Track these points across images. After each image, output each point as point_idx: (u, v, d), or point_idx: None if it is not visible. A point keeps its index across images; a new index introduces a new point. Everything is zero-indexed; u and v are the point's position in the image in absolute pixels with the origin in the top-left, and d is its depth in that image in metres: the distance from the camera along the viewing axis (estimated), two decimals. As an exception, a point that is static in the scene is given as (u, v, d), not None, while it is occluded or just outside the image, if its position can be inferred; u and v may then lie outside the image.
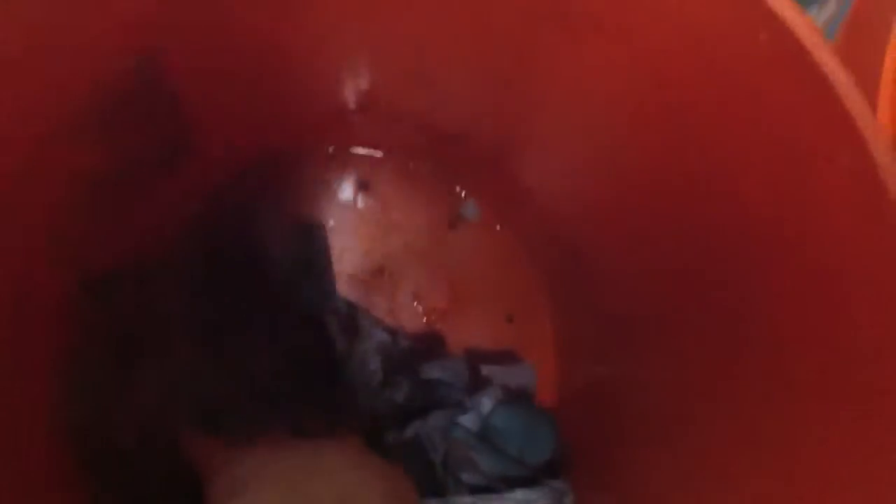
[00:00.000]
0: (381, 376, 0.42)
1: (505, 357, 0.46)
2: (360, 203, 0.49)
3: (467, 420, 0.42)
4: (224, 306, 0.43)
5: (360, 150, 0.49)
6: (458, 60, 0.38)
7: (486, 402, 0.42)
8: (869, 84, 0.31)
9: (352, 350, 0.43)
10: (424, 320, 0.47)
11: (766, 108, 0.26)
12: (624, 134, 0.34)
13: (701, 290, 0.34)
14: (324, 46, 0.39)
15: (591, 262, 0.43)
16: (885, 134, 0.30)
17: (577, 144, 0.39)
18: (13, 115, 0.28)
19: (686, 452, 0.36)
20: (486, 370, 0.44)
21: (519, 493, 0.39)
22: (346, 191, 0.49)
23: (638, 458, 0.39)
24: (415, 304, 0.48)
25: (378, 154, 0.49)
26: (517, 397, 0.44)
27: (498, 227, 0.49)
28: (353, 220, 0.48)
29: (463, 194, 0.49)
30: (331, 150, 0.49)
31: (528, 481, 0.41)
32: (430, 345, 0.46)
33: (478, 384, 0.44)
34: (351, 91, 0.44)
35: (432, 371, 0.43)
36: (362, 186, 0.49)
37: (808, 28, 0.23)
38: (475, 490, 0.40)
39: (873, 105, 0.30)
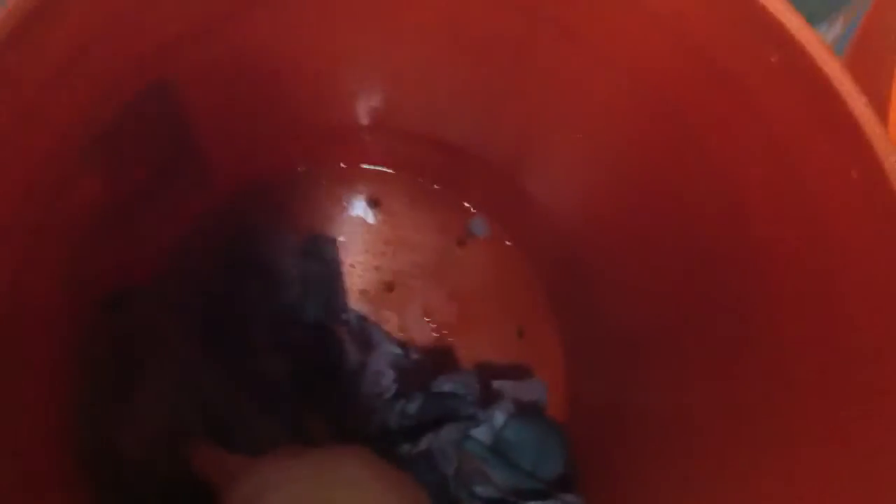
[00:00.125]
0: (395, 389, 0.43)
1: (516, 371, 0.47)
2: (371, 219, 0.49)
3: (480, 433, 0.42)
4: (234, 320, 0.44)
5: (371, 167, 0.50)
6: (464, 78, 0.39)
7: (499, 416, 0.42)
8: (875, 102, 0.31)
9: (365, 363, 0.43)
10: (435, 335, 0.48)
11: (774, 123, 0.26)
12: (628, 149, 0.35)
13: (704, 298, 0.34)
14: (336, 68, 0.40)
15: (596, 273, 0.43)
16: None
17: (582, 157, 0.39)
18: (39, 148, 0.28)
19: (693, 461, 0.36)
20: (497, 384, 0.44)
21: (532, 506, 0.39)
22: (357, 207, 0.49)
23: (646, 470, 0.40)
24: (425, 319, 0.48)
25: (389, 171, 0.49)
26: (529, 411, 0.44)
27: (507, 243, 0.50)
28: (363, 236, 0.49)
29: (472, 210, 0.50)
30: (342, 166, 0.49)
31: (541, 494, 0.41)
32: (440, 359, 0.47)
33: (489, 398, 0.44)
34: (362, 110, 0.44)
35: (444, 384, 0.43)
36: (373, 203, 0.49)
37: (818, 44, 0.23)
38: (488, 503, 0.40)
39: (883, 121, 0.30)
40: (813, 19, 0.38)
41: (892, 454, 0.24)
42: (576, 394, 0.47)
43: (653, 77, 0.30)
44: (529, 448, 0.42)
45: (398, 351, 0.44)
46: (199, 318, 0.42)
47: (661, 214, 0.35)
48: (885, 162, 0.22)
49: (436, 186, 0.49)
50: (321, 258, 0.46)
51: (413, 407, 0.42)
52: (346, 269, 0.48)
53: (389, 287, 0.48)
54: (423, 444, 0.41)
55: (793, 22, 0.24)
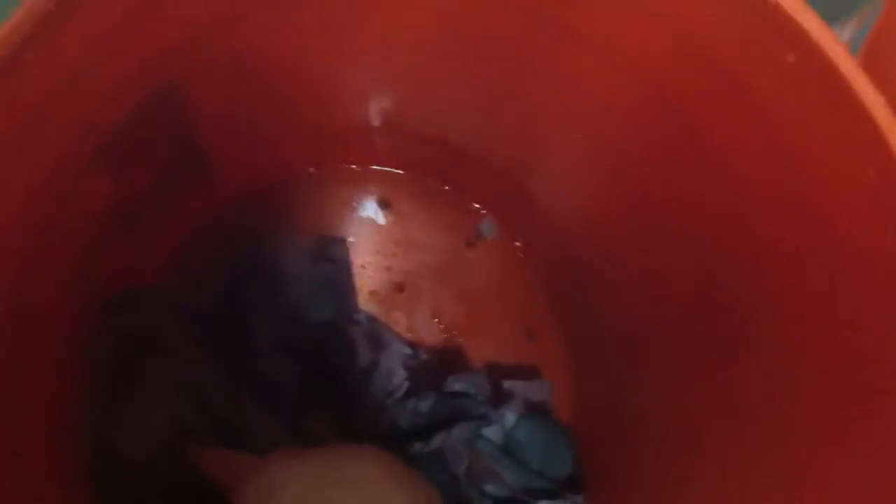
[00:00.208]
0: (406, 388, 0.43)
1: (523, 371, 0.47)
2: (381, 220, 0.49)
3: (491, 432, 0.42)
4: (240, 321, 0.44)
5: (381, 168, 0.50)
6: (467, 78, 0.39)
7: (510, 416, 0.42)
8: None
9: (377, 362, 0.43)
10: (444, 336, 0.48)
11: (782, 122, 0.26)
12: (630, 149, 0.35)
13: (705, 298, 0.34)
14: (341, 70, 0.40)
15: (598, 273, 0.44)
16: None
17: (584, 157, 0.40)
18: (48, 151, 0.28)
19: (694, 461, 0.36)
20: (507, 384, 0.44)
21: (542, 504, 0.39)
22: (367, 208, 0.49)
23: (648, 470, 0.40)
24: (434, 319, 0.48)
25: (399, 172, 0.50)
26: (538, 412, 0.44)
27: (516, 244, 0.50)
28: (373, 237, 0.49)
29: (481, 212, 0.50)
30: (352, 167, 0.49)
31: (551, 494, 0.41)
32: (449, 359, 0.47)
33: (499, 398, 0.44)
34: (370, 111, 0.44)
35: (455, 384, 0.44)
36: (383, 204, 0.49)
37: (836, 45, 0.23)
38: (499, 502, 0.40)
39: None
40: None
41: (892, 454, 0.24)
42: (580, 394, 0.47)
43: (655, 77, 0.30)
44: (539, 448, 0.42)
45: (408, 351, 0.44)
46: (203, 319, 0.42)
47: (662, 215, 0.35)
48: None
49: (446, 188, 0.50)
50: (331, 259, 0.46)
51: (425, 406, 0.43)
52: (356, 269, 0.48)
53: (399, 288, 0.48)
54: (435, 442, 0.41)
55: (810, 22, 0.24)
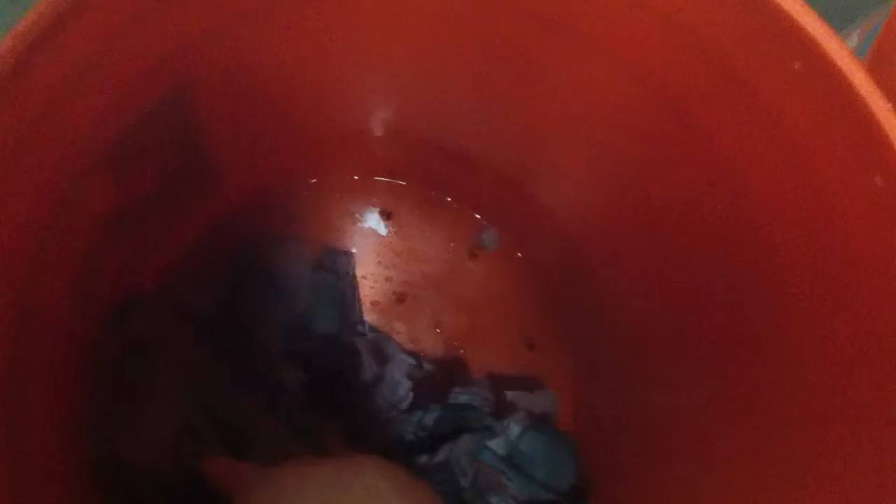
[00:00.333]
0: (411, 399, 0.42)
1: (526, 382, 0.47)
2: (383, 231, 0.49)
3: (496, 444, 0.42)
4: (244, 329, 0.43)
5: (383, 179, 0.50)
6: (469, 85, 0.39)
7: (514, 427, 0.42)
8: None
9: (381, 374, 0.43)
10: (445, 346, 0.48)
11: (789, 128, 0.26)
12: (635, 156, 0.35)
13: (713, 308, 0.34)
14: (344, 78, 0.40)
15: (603, 281, 0.44)
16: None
17: (588, 163, 0.40)
18: (53, 153, 0.28)
19: (702, 471, 0.36)
20: (510, 396, 0.44)
21: (548, 516, 0.39)
22: (370, 219, 0.49)
23: (654, 481, 0.40)
24: (436, 330, 0.48)
25: (401, 183, 0.50)
26: (541, 422, 0.44)
27: (518, 255, 0.50)
28: (375, 248, 0.49)
29: (483, 223, 0.50)
30: (355, 178, 0.49)
31: (555, 505, 0.41)
32: (452, 370, 0.47)
33: (503, 409, 0.44)
34: (372, 121, 0.44)
35: (460, 396, 0.43)
36: (385, 215, 0.49)
37: (844, 53, 0.23)
38: (505, 513, 0.40)
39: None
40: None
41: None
42: (582, 403, 0.47)
43: (657, 78, 0.30)
44: (543, 459, 0.42)
45: (412, 361, 0.44)
46: (206, 324, 0.42)
47: (665, 217, 0.35)
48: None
49: (448, 199, 0.50)
50: (335, 270, 0.46)
51: (430, 418, 0.42)
52: (358, 280, 0.48)
53: (401, 298, 0.48)
54: (441, 455, 0.41)
55: (817, 30, 0.24)
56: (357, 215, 0.49)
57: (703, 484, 0.35)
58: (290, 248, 0.46)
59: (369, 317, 0.47)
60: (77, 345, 0.35)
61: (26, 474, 0.30)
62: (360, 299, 0.47)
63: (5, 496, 0.28)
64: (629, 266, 0.41)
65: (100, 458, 0.36)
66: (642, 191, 0.36)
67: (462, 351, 0.48)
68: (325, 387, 0.43)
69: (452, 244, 0.50)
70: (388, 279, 0.48)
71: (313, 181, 0.49)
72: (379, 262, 0.49)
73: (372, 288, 0.48)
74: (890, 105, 0.23)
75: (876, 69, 0.35)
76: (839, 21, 0.39)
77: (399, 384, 0.43)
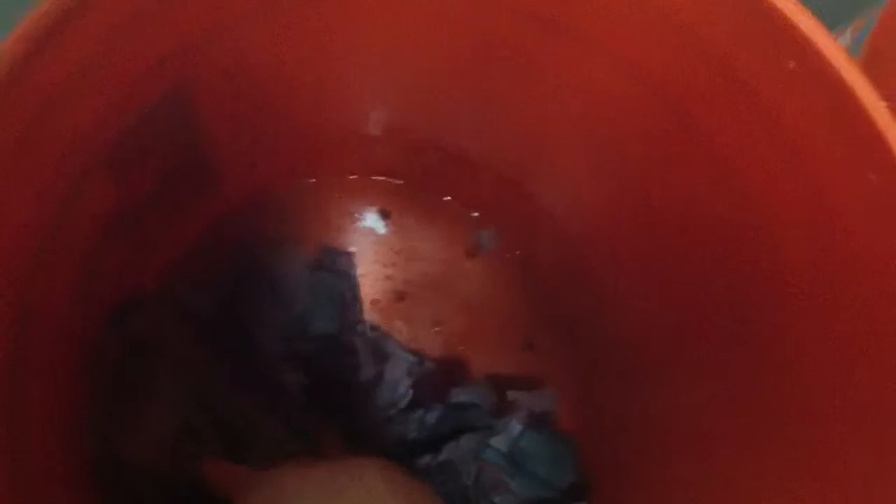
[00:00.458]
0: (410, 398, 0.43)
1: (526, 381, 0.47)
2: (382, 230, 0.49)
3: (497, 442, 0.42)
4: (244, 330, 0.44)
5: (382, 179, 0.50)
6: (468, 84, 0.39)
7: (515, 426, 0.42)
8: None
9: (381, 373, 0.43)
10: (445, 345, 0.48)
11: (787, 126, 0.27)
12: (634, 156, 0.35)
13: (714, 309, 0.34)
14: (343, 78, 0.40)
15: (603, 281, 0.44)
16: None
17: (587, 163, 0.40)
18: (54, 153, 0.28)
19: (703, 471, 0.36)
20: (511, 395, 0.44)
21: (550, 514, 0.39)
22: (368, 218, 0.49)
23: (654, 480, 0.40)
24: (435, 328, 0.48)
25: (399, 182, 0.50)
26: (541, 421, 0.44)
27: (517, 253, 0.50)
28: (374, 247, 0.49)
29: (482, 222, 0.50)
30: (354, 178, 0.49)
31: (556, 502, 0.41)
32: (451, 368, 0.47)
33: (503, 408, 0.44)
34: (371, 120, 0.45)
35: (461, 395, 0.44)
36: (384, 214, 0.49)
37: (837, 50, 0.24)
38: (506, 511, 0.41)
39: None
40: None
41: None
42: (582, 402, 0.47)
43: (656, 78, 0.31)
44: (544, 457, 0.42)
45: (413, 358, 0.44)
46: (208, 326, 0.42)
47: (665, 217, 0.36)
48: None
49: (446, 198, 0.50)
50: (335, 270, 0.46)
51: (432, 418, 0.43)
52: (357, 279, 0.48)
53: (400, 297, 0.48)
54: (443, 455, 0.41)
55: (810, 28, 0.24)
56: (356, 214, 0.50)
57: (703, 484, 0.35)
58: (289, 249, 0.46)
59: (369, 315, 0.47)
60: (77, 345, 0.35)
61: (26, 474, 0.30)
62: (360, 299, 0.47)
63: (5, 496, 0.28)
64: (629, 266, 0.41)
65: (100, 458, 0.36)
66: (642, 191, 0.36)
67: (461, 349, 0.48)
68: (325, 387, 0.43)
69: (451, 243, 0.50)
70: (387, 277, 0.49)
71: (312, 181, 0.49)
72: (377, 261, 0.49)
73: (371, 286, 0.48)
74: (883, 102, 0.23)
75: (870, 67, 0.36)
76: (832, 19, 0.39)
77: (399, 382, 0.43)
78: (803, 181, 0.27)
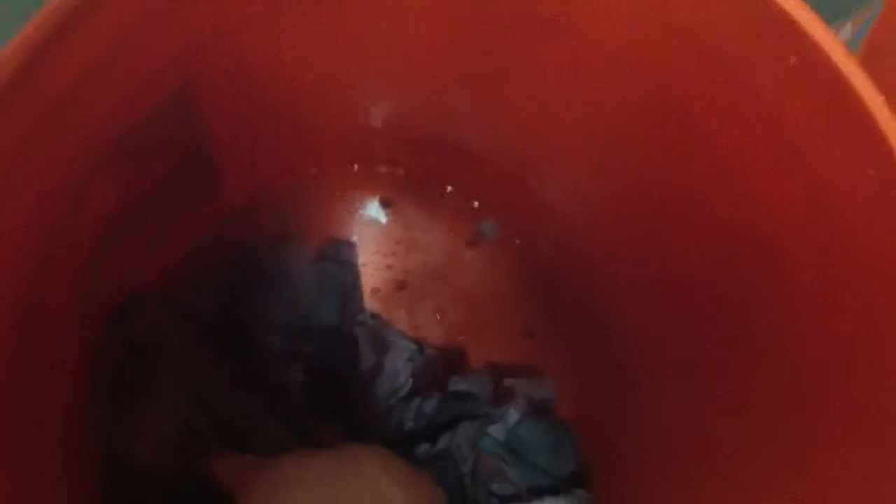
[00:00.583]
0: (410, 388, 0.43)
1: (525, 370, 0.47)
2: (383, 220, 0.50)
3: (495, 430, 0.42)
4: (247, 326, 0.44)
5: (383, 169, 0.50)
6: (468, 79, 0.39)
7: (513, 414, 0.43)
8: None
9: (381, 364, 0.43)
10: (445, 334, 0.48)
11: (786, 122, 0.27)
12: (634, 149, 0.36)
13: (713, 299, 0.35)
14: (345, 72, 0.40)
15: (605, 272, 0.44)
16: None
17: (587, 157, 0.40)
18: (60, 153, 0.29)
19: (702, 471, 0.36)
20: (508, 382, 0.45)
21: (547, 501, 0.40)
22: (370, 208, 0.50)
23: (653, 471, 0.40)
24: (436, 317, 0.48)
25: (400, 172, 0.50)
26: (540, 410, 0.44)
27: (517, 243, 0.50)
28: (375, 237, 0.49)
29: (482, 212, 0.50)
30: (355, 168, 0.50)
31: (555, 490, 0.41)
32: (452, 357, 0.47)
33: (501, 396, 0.44)
34: (372, 113, 0.45)
35: (460, 384, 0.44)
36: (385, 203, 0.50)
37: (837, 46, 0.24)
38: (504, 500, 0.41)
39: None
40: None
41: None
42: (582, 392, 0.47)
43: (659, 79, 0.31)
44: (543, 446, 0.43)
45: (413, 346, 0.44)
46: (209, 326, 0.43)
47: (665, 212, 0.36)
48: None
49: (447, 188, 0.50)
50: (338, 261, 0.46)
51: (429, 407, 0.43)
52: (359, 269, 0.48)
53: (401, 286, 0.49)
54: (441, 443, 0.41)
55: (810, 23, 0.24)
56: (356, 204, 0.50)
57: (703, 484, 0.36)
58: (291, 241, 0.46)
59: (370, 304, 0.48)
60: (78, 346, 0.35)
61: (31, 475, 0.30)
62: (361, 290, 0.47)
63: (11, 496, 0.28)
64: (629, 264, 0.41)
65: (101, 458, 0.36)
66: (642, 189, 0.36)
67: (461, 338, 0.48)
68: (326, 382, 0.43)
69: (452, 233, 0.50)
70: (388, 267, 0.49)
71: (313, 171, 0.49)
72: (378, 251, 0.49)
73: (372, 276, 0.49)
74: (882, 97, 0.24)
75: (869, 61, 0.36)
76: (832, 13, 0.39)
77: (399, 372, 0.43)
78: (803, 178, 0.27)
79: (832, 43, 0.24)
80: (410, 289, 0.49)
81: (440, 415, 0.43)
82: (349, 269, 0.46)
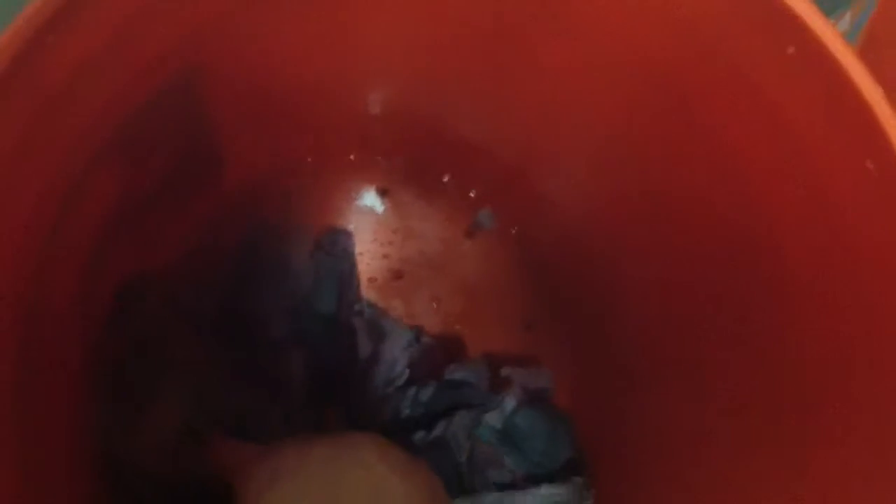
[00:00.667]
0: (407, 377, 0.43)
1: (522, 360, 0.47)
2: (379, 209, 0.50)
3: (491, 418, 0.42)
4: (247, 315, 0.44)
5: (380, 158, 0.50)
6: (468, 70, 0.39)
7: (509, 402, 0.43)
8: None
9: (379, 353, 0.44)
10: (442, 324, 0.48)
11: (785, 114, 0.27)
12: (634, 142, 0.35)
13: (712, 293, 0.35)
14: (344, 61, 0.40)
15: (604, 268, 0.44)
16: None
17: (587, 151, 0.40)
18: (70, 136, 0.28)
19: (702, 471, 0.36)
20: (505, 371, 0.45)
21: (544, 489, 0.40)
22: (366, 197, 0.50)
23: (656, 480, 0.40)
24: (433, 306, 0.48)
25: (398, 161, 0.50)
26: (537, 398, 0.44)
27: (514, 232, 0.50)
28: (372, 226, 0.49)
29: (480, 202, 0.50)
30: (352, 157, 0.49)
31: (551, 478, 0.41)
32: (448, 347, 0.47)
33: (498, 385, 0.45)
34: (370, 101, 0.45)
35: (456, 372, 0.44)
36: (381, 192, 0.50)
37: (835, 37, 0.24)
38: (501, 487, 0.41)
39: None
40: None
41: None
42: (579, 383, 0.48)
43: (660, 74, 0.31)
44: (539, 434, 0.43)
45: (410, 335, 0.44)
46: (210, 318, 0.43)
47: (664, 205, 0.36)
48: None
49: (445, 177, 0.50)
50: (335, 251, 0.46)
51: (426, 395, 0.43)
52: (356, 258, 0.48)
53: (397, 275, 0.49)
54: (437, 431, 0.42)
55: (808, 13, 0.24)
56: (353, 193, 0.50)
57: (703, 484, 0.36)
58: (289, 230, 0.46)
59: (366, 294, 0.48)
60: (78, 345, 0.34)
61: (34, 474, 0.30)
62: (358, 277, 0.47)
63: (15, 494, 0.28)
64: (629, 260, 0.41)
65: (102, 458, 0.36)
66: (642, 187, 0.36)
67: (458, 328, 0.48)
68: (325, 368, 0.43)
69: (449, 222, 0.50)
70: (385, 256, 0.49)
71: (309, 160, 0.49)
72: (375, 240, 0.49)
73: (368, 265, 0.49)
74: (881, 89, 0.24)
75: (867, 53, 0.36)
76: (831, 4, 0.39)
77: (396, 361, 0.43)
78: (803, 174, 0.27)
79: (830, 34, 0.24)
80: (407, 278, 0.49)
81: (437, 403, 0.43)
82: (346, 259, 0.46)
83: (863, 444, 0.26)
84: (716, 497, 0.34)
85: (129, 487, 0.37)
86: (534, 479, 0.42)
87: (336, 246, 0.47)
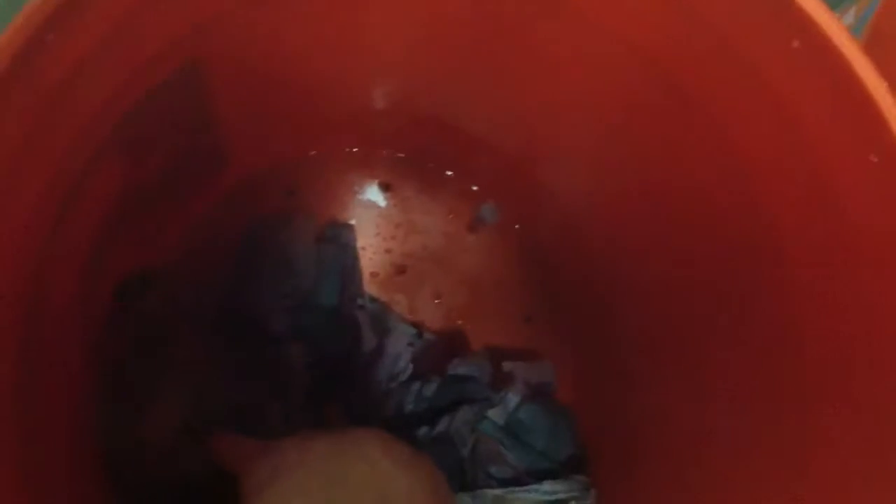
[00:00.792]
0: (410, 371, 0.43)
1: (524, 355, 0.47)
2: (382, 203, 0.50)
3: (494, 414, 0.42)
4: (250, 308, 0.44)
5: (383, 152, 0.50)
6: (469, 61, 0.39)
7: (512, 398, 0.43)
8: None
9: (383, 347, 0.44)
10: (445, 318, 0.48)
11: (790, 107, 0.27)
12: (637, 136, 0.35)
13: (713, 287, 0.35)
14: (347, 54, 0.40)
15: (606, 264, 0.44)
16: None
17: (589, 143, 0.40)
18: (70, 135, 0.28)
19: (702, 470, 0.36)
20: (507, 366, 0.45)
21: (546, 485, 0.40)
22: (369, 191, 0.50)
23: (656, 480, 0.40)
24: (435, 301, 0.48)
25: (401, 155, 0.50)
26: (539, 393, 0.44)
27: (517, 227, 0.50)
28: (374, 220, 0.49)
29: (483, 196, 0.50)
30: (355, 151, 0.49)
31: (554, 474, 0.41)
32: (451, 341, 0.47)
33: (500, 380, 0.45)
34: (374, 95, 0.44)
35: (459, 367, 0.44)
36: (384, 187, 0.50)
37: (841, 30, 0.24)
38: (503, 483, 0.41)
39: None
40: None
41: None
42: (580, 378, 0.48)
43: (664, 63, 0.30)
44: (542, 429, 0.43)
45: (413, 331, 0.44)
46: (214, 307, 0.43)
47: (666, 196, 0.36)
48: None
49: (448, 172, 0.50)
50: (338, 244, 0.46)
51: (429, 390, 0.43)
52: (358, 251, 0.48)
53: (400, 270, 0.49)
54: (440, 426, 0.42)
55: (814, 8, 0.24)
56: (356, 187, 0.50)
57: (703, 484, 0.36)
58: (292, 225, 0.46)
59: (369, 288, 0.48)
60: (79, 345, 0.35)
61: (32, 475, 0.30)
62: (361, 272, 0.47)
63: (16, 493, 0.28)
64: (629, 256, 0.41)
65: (102, 458, 0.36)
66: (643, 185, 0.37)
67: (461, 322, 0.48)
68: (328, 362, 0.43)
69: (452, 216, 0.50)
70: (387, 251, 0.49)
71: (313, 153, 0.49)
72: (378, 234, 0.49)
73: (371, 259, 0.49)
74: (885, 83, 0.23)
75: (873, 46, 0.36)
76: (836, -2, 0.39)
77: (400, 356, 0.43)
78: (806, 169, 0.26)
79: (836, 27, 0.24)
80: (410, 273, 0.49)
81: (440, 398, 0.43)
82: (348, 252, 0.46)
83: (863, 444, 0.26)
84: (716, 497, 0.34)
85: (129, 487, 0.37)
86: (536, 475, 0.42)
87: (338, 238, 0.47)
